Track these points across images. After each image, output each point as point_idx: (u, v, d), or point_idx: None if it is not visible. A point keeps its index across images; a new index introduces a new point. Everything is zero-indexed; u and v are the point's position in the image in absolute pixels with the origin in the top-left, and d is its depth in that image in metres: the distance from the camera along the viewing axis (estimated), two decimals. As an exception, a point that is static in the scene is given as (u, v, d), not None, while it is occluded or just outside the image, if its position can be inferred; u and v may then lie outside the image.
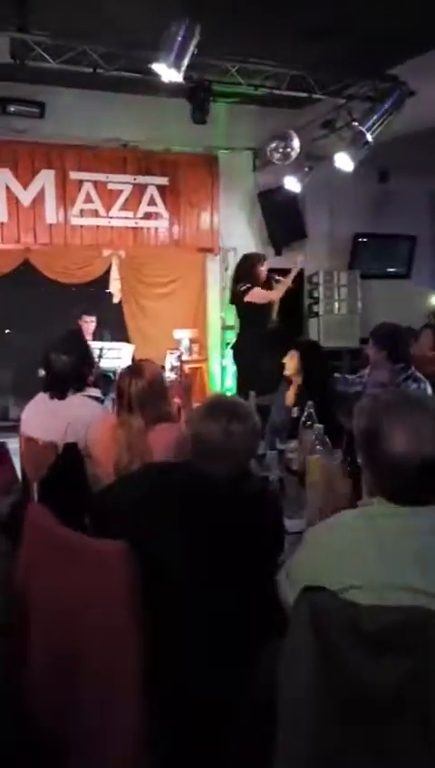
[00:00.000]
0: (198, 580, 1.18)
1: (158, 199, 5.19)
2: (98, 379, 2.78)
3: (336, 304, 5.61)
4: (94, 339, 4.95)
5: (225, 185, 5.39)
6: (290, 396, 2.63)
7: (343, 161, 4.34)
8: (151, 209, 5.18)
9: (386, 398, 1.14)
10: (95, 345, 4.54)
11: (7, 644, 1.27)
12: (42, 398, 2.18)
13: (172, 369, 2.28)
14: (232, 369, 4.74)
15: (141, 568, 1.12)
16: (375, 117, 4.16)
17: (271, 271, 4.14)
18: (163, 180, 5.19)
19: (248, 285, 3.93)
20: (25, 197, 4.78)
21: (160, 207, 5.21)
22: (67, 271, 5.32)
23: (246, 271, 4.03)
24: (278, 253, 5.40)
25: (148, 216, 5.17)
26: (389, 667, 0.91)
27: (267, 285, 4.04)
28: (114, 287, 5.53)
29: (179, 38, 3.26)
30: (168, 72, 3.41)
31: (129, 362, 4.03)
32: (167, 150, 5.16)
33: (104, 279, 5.50)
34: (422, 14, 3.49)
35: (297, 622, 0.95)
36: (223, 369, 5.48)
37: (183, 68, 3.40)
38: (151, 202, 5.17)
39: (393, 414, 1.05)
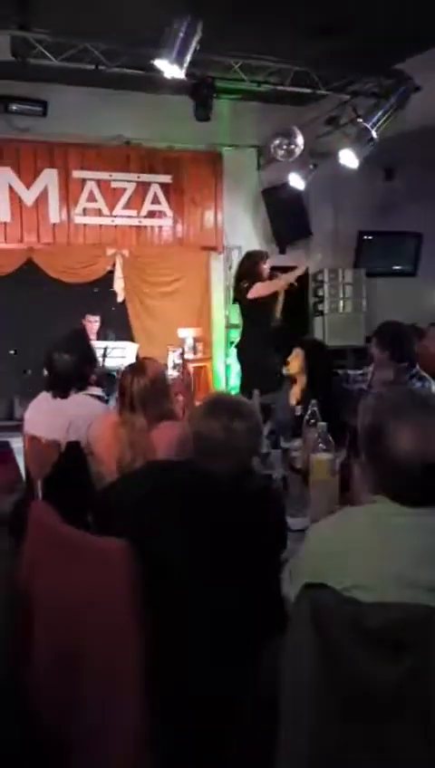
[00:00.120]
0: (201, 578, 1.18)
1: (161, 197, 5.18)
2: (102, 378, 2.79)
3: (341, 303, 5.58)
4: (98, 338, 4.96)
5: (229, 183, 5.37)
6: (294, 394, 2.62)
7: (348, 158, 4.31)
8: (155, 208, 5.18)
9: (391, 397, 1.13)
10: (99, 344, 4.55)
11: (10, 642, 1.27)
12: (44, 396, 2.18)
13: (174, 366, 2.27)
14: (236, 367, 4.73)
15: (144, 566, 1.12)
16: (380, 113, 4.13)
17: (274, 269, 4.12)
18: (167, 178, 5.18)
19: (250, 283, 3.92)
20: (28, 197, 4.79)
21: (164, 206, 5.20)
22: (71, 270, 5.32)
23: (248, 269, 4.01)
24: (283, 251, 5.38)
25: (151, 214, 5.17)
26: (390, 664, 0.91)
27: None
28: (118, 286, 5.54)
29: (181, 34, 3.26)
30: (170, 69, 3.41)
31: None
32: (170, 148, 5.15)
33: (108, 278, 5.51)
34: (427, 9, 3.46)
35: (298, 619, 0.95)
36: (227, 367, 5.47)
37: (185, 64, 3.40)
38: (155, 200, 5.17)
39: (399, 412, 1.04)
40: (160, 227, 5.22)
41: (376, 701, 0.92)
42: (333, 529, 1.12)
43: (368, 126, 4.11)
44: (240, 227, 5.43)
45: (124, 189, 5.06)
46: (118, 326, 5.46)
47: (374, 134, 4.13)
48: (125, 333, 5.38)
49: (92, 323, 5.15)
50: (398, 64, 4.21)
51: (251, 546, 1.22)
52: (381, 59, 4.12)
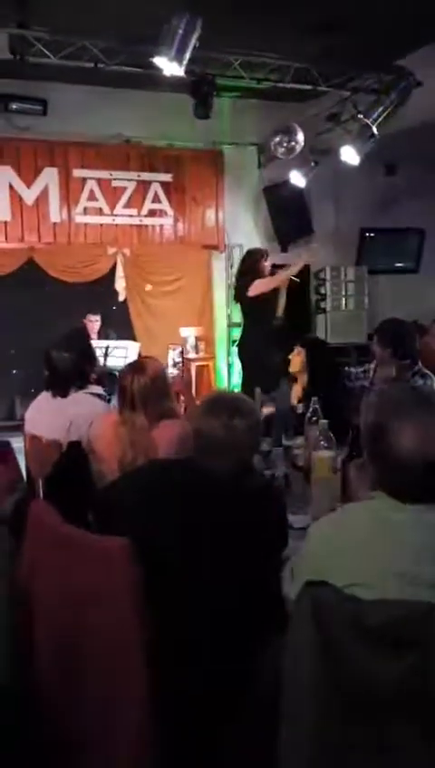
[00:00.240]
0: (202, 577, 1.18)
1: (162, 196, 5.17)
2: (103, 377, 2.78)
3: (343, 300, 5.56)
4: (99, 338, 4.96)
5: (229, 181, 5.36)
6: (295, 393, 2.61)
7: (349, 155, 4.30)
8: (156, 206, 5.17)
9: (394, 394, 1.13)
10: (101, 344, 4.55)
11: (11, 642, 1.27)
12: (45, 396, 2.18)
13: (175, 364, 2.27)
14: (238, 366, 4.72)
15: (145, 564, 1.11)
16: (381, 109, 4.11)
17: (276, 267, 4.11)
18: (167, 177, 5.17)
19: (250, 280, 3.90)
20: (29, 196, 4.78)
21: (165, 204, 5.19)
22: (72, 269, 5.32)
23: (249, 266, 4.00)
24: (284, 249, 5.36)
25: (152, 213, 5.16)
26: (391, 662, 0.90)
27: None
28: (119, 285, 5.54)
29: (181, 31, 3.25)
30: (169, 66, 3.40)
31: (134, 361, 4.01)
32: (170, 146, 5.13)
33: (109, 277, 5.51)
34: (428, 5, 3.43)
35: (299, 617, 0.95)
36: (230, 366, 5.47)
37: (185, 62, 3.39)
38: (156, 199, 5.16)
39: (401, 410, 1.04)
40: (161, 226, 5.21)
41: (377, 699, 0.92)
42: (334, 526, 1.11)
43: (369, 122, 4.10)
44: (241, 226, 5.42)
45: (125, 188, 5.06)
46: (119, 325, 5.46)
47: (375, 130, 4.11)
48: (126, 332, 5.38)
49: (93, 323, 5.15)
50: (398, 60, 4.19)
51: (252, 544, 1.22)
52: (382, 55, 4.10)
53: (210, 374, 5.48)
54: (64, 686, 1.22)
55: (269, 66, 4.16)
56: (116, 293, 5.59)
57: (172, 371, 2.20)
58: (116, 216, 5.04)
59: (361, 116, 4.18)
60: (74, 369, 2.11)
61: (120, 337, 5.13)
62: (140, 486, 1.33)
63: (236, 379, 5.26)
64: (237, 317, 4.96)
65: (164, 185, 5.17)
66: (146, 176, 5.10)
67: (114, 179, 5.02)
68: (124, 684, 1.13)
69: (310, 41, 3.91)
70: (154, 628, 1.10)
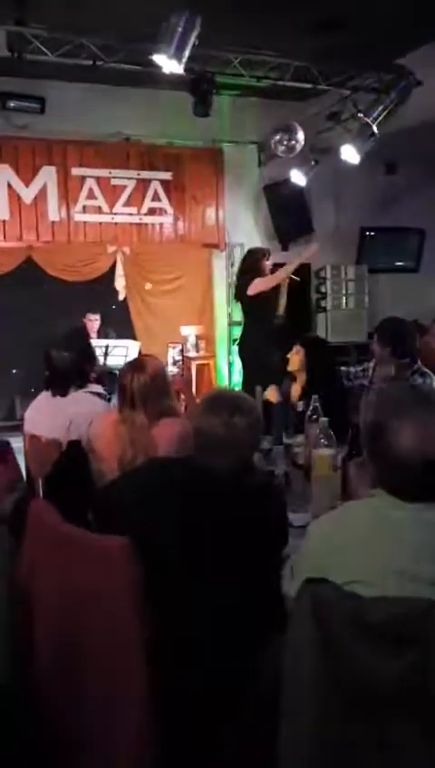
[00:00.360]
0: (202, 575, 1.18)
1: (162, 194, 5.16)
2: (103, 376, 2.78)
3: (344, 299, 5.56)
4: (99, 336, 4.96)
5: (230, 179, 5.35)
6: (295, 391, 2.61)
7: (349, 154, 4.29)
8: (156, 205, 5.16)
9: (393, 393, 1.13)
10: (101, 343, 4.54)
11: (12, 641, 1.26)
12: (44, 395, 2.18)
13: (175, 363, 2.26)
14: (239, 364, 4.72)
15: (145, 563, 1.11)
16: (381, 108, 4.11)
17: (276, 266, 4.10)
18: (167, 175, 5.16)
19: (250, 279, 3.89)
20: (27, 195, 4.77)
21: (165, 203, 5.18)
22: (71, 268, 5.31)
23: (250, 266, 4.00)
24: (285, 248, 5.35)
25: (152, 211, 5.15)
26: (391, 659, 0.90)
27: None
28: (119, 284, 5.53)
29: (180, 29, 3.24)
30: (168, 64, 3.39)
31: (135, 359, 4.01)
32: (170, 144, 5.12)
33: (109, 276, 5.50)
34: (428, 3, 3.42)
35: (299, 614, 0.94)
36: (230, 365, 5.46)
37: (184, 59, 3.37)
38: (155, 197, 5.15)
39: (400, 409, 1.04)
40: (161, 225, 5.20)
41: (377, 696, 0.92)
42: (334, 524, 1.11)
43: (369, 121, 4.09)
44: (242, 224, 5.41)
45: (124, 186, 5.04)
46: (119, 324, 5.46)
47: (375, 129, 4.10)
48: (126, 331, 5.38)
49: (93, 322, 5.14)
50: (399, 59, 4.18)
51: (252, 542, 1.22)
52: (382, 54, 4.09)
53: (211, 373, 5.48)
54: (64, 685, 1.22)
55: (269, 64, 4.15)
56: (115, 292, 5.59)
57: (172, 370, 2.19)
58: (115, 214, 5.03)
59: (361, 115, 4.18)
60: (74, 369, 2.11)
61: (120, 336, 5.13)
62: (140, 485, 1.33)
63: (237, 377, 5.26)
64: (238, 315, 4.95)
65: (164, 183, 5.16)
66: (145, 174, 5.09)
67: (113, 178, 5.00)
68: (124, 682, 1.13)
69: (310, 39, 3.90)
70: (154, 627, 1.10)
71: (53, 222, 4.86)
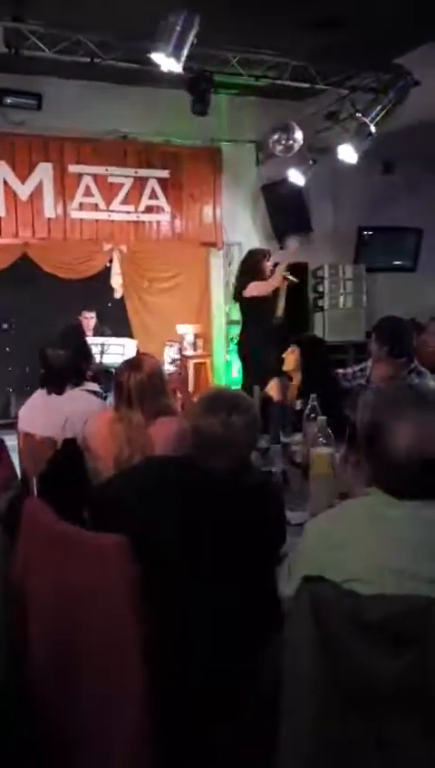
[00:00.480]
0: (199, 574, 1.17)
1: (159, 193, 5.15)
2: (99, 374, 2.77)
3: (341, 298, 5.57)
4: (95, 334, 4.94)
5: (227, 178, 5.34)
6: (291, 390, 2.61)
7: (347, 153, 4.30)
8: (153, 203, 5.14)
9: (390, 393, 1.13)
10: (97, 341, 4.53)
11: (7, 639, 1.26)
12: (39, 393, 2.16)
13: (172, 362, 2.26)
14: (237, 364, 4.72)
15: (142, 562, 1.10)
16: (379, 108, 4.12)
17: (277, 266, 4.09)
18: (164, 173, 5.15)
19: (247, 281, 3.89)
20: (23, 191, 4.75)
21: (162, 201, 5.17)
22: (67, 265, 5.30)
23: (251, 266, 3.99)
24: (283, 247, 5.35)
25: (149, 209, 5.14)
26: (390, 657, 0.90)
27: None
28: (116, 282, 5.51)
29: (178, 28, 3.23)
30: (166, 62, 3.38)
31: (131, 358, 4.00)
32: (168, 143, 5.11)
33: (105, 274, 5.48)
34: (426, 3, 3.43)
35: (298, 612, 0.94)
36: (228, 364, 5.46)
37: (183, 58, 3.37)
38: (153, 195, 5.13)
39: (398, 409, 1.04)
40: (158, 223, 5.19)
41: (376, 694, 0.92)
42: (331, 522, 1.11)
43: (367, 121, 4.10)
44: (240, 223, 5.41)
45: (121, 184, 5.03)
46: (114, 322, 5.44)
47: (373, 129, 4.11)
48: (122, 330, 5.37)
49: (88, 320, 5.13)
50: (397, 59, 4.19)
51: (250, 541, 1.21)
52: (380, 54, 4.09)
53: (208, 371, 5.47)
54: (60, 684, 1.21)
55: (267, 63, 4.15)
56: (111, 290, 5.57)
57: (169, 368, 2.19)
58: (112, 211, 5.01)
59: (359, 114, 4.18)
60: (70, 367, 2.10)
61: (117, 334, 5.11)
62: (137, 483, 1.32)
63: (234, 376, 5.25)
64: (236, 314, 4.94)
65: (161, 181, 5.15)
66: (143, 172, 5.08)
67: (110, 175, 4.99)
68: (120, 681, 1.12)
69: (308, 38, 3.90)
70: (152, 625, 1.10)
71: (49, 219, 4.83)
